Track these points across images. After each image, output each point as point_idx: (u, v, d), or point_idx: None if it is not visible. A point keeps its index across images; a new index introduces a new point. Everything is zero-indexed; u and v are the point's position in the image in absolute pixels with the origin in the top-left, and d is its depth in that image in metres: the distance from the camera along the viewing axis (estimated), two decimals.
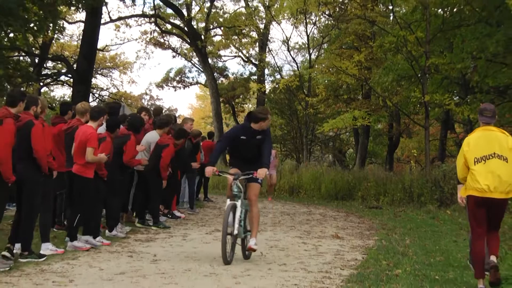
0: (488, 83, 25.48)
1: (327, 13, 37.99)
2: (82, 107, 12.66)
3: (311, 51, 41.02)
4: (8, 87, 31.97)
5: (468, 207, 9.25)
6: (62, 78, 48.76)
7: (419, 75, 26.65)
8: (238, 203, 10.55)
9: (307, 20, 39.52)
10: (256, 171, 10.67)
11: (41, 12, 27.45)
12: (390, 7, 30.34)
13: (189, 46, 47.57)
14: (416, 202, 22.90)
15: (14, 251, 10.17)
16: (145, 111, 16.69)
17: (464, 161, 9.03)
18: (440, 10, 27.62)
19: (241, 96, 50.66)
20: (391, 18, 30.51)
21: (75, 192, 11.86)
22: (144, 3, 53.54)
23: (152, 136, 15.73)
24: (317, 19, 41.25)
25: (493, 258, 8.91)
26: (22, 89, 33.05)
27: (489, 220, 9.05)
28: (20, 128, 9.87)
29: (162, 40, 49.70)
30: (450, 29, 26.78)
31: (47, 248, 10.90)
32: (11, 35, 34.22)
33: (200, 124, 60.81)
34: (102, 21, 37.12)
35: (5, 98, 10.69)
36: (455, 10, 27.32)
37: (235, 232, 10.37)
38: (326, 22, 42.06)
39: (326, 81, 40.80)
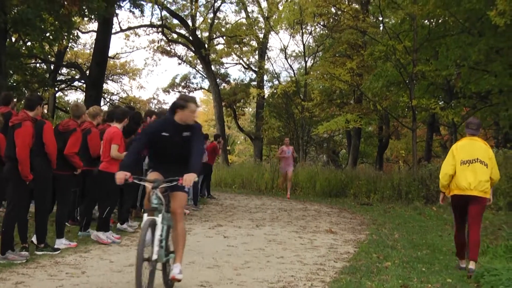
0: (471, 89, 25.59)
1: (321, 23, 37.93)
2: (94, 111, 12.71)
3: (307, 59, 41.08)
4: (26, 92, 31.98)
5: (452, 205, 10.25)
6: (76, 83, 48.91)
7: (407, 81, 26.64)
8: (158, 218, 7.63)
9: (303, 30, 39.56)
10: (181, 177, 7.73)
11: (56, 22, 27.46)
12: (380, 18, 30.34)
13: (193, 54, 47.63)
14: (404, 199, 22.90)
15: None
16: (154, 115, 16.61)
17: (452, 161, 9.94)
18: (426, 21, 27.67)
19: (241, 101, 50.58)
20: (381, 28, 30.49)
21: (102, 187, 11.85)
22: (152, 14, 53.79)
23: None
24: (313, 29, 41.27)
25: (472, 265, 9.50)
26: (38, 93, 33.09)
27: (469, 216, 9.88)
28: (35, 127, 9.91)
29: (168, 49, 49.72)
30: (436, 38, 26.80)
31: (61, 243, 10.89)
32: (29, 43, 34.29)
33: (204, 127, 60.73)
34: (113, 30, 37.12)
35: (23, 102, 10.70)
36: (440, 21, 27.38)
37: (154, 256, 7.47)
38: (321, 32, 42.02)
39: (320, 86, 40.70)
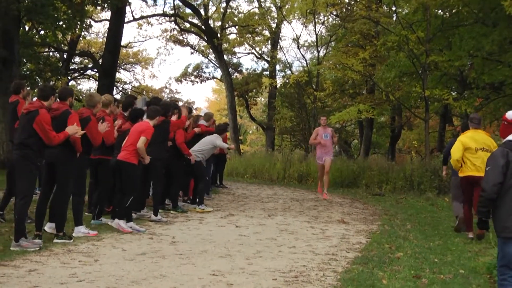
0: (484, 80, 25.46)
1: (334, 13, 37.85)
2: (106, 99, 12.72)
3: (319, 49, 40.89)
4: (39, 80, 32.08)
5: (462, 184, 12.50)
6: (89, 72, 48.99)
7: (419, 71, 26.55)
8: None
9: (316, 20, 39.37)
10: None
11: (69, 11, 27.48)
12: (393, 8, 30.21)
13: (206, 44, 47.61)
14: (416, 190, 22.81)
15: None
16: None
17: (462, 148, 12.16)
18: (440, 11, 27.53)
19: (254, 90, 50.58)
20: (394, 18, 30.35)
21: (124, 177, 11.89)
22: (165, 3, 53.94)
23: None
24: (325, 19, 41.13)
25: (471, 235, 12.22)
26: (51, 83, 33.19)
27: (474, 194, 11.85)
28: (57, 117, 9.95)
29: (181, 38, 49.72)
30: (449, 29, 26.70)
31: (79, 231, 10.95)
32: (42, 32, 34.40)
33: (216, 116, 60.75)
34: (126, 19, 37.21)
35: (36, 91, 10.74)
36: (454, 11, 27.25)
37: None
38: (334, 21, 41.91)
39: (333, 76, 40.67)
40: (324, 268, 8.81)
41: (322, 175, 20.88)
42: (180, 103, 23.83)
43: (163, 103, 14.89)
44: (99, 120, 11.64)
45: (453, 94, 28.51)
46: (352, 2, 33.32)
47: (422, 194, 21.99)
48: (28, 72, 33.64)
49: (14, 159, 9.78)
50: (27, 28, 35.18)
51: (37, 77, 32.99)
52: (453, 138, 16.66)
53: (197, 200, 15.95)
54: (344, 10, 34.87)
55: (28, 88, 14.16)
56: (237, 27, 46.91)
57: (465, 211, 12.45)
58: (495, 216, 6.72)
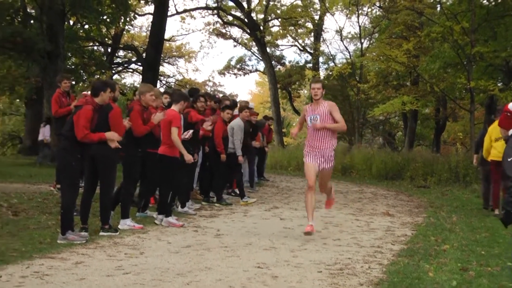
0: None
1: (377, 4, 37.64)
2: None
3: (362, 41, 40.72)
4: (84, 74, 32.43)
5: (491, 165, 14.54)
6: (132, 66, 49.34)
7: (464, 62, 26.33)
8: None
9: (359, 11, 39.23)
10: None
11: (113, 5, 27.72)
12: None
13: (249, 36, 47.75)
14: (462, 182, 22.63)
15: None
16: (207, 96, 16.53)
17: (489, 138, 14.38)
18: (485, 0, 27.26)
19: (297, 83, 50.57)
20: (438, 9, 30.13)
21: (164, 171, 11.92)
22: None
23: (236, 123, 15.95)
24: (369, 10, 40.90)
25: (497, 212, 14.14)
26: (96, 76, 33.50)
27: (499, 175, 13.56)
28: (99, 111, 10.00)
29: (224, 31, 49.94)
30: (495, 19, 26.42)
31: (125, 224, 11.03)
32: (86, 26, 34.73)
33: (259, 108, 60.78)
34: (169, 13, 37.44)
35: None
36: (499, 0, 26.91)
37: None
38: (377, 13, 41.67)
39: (376, 68, 40.47)
40: (369, 260, 8.76)
41: (310, 196, 10.74)
42: (220, 95, 23.67)
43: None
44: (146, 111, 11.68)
45: (498, 85, 28.19)
46: None
47: (467, 186, 21.81)
48: (73, 66, 34.01)
49: (55, 151, 9.91)
50: (71, 22, 35.53)
51: (81, 71, 33.35)
52: (483, 129, 17.26)
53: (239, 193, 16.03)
54: (388, 1, 34.64)
55: (73, 82, 14.30)
56: (280, 19, 46.96)
57: (495, 189, 14.63)
58: None
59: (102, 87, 10.11)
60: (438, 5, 30.17)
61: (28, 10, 30.93)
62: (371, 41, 42.03)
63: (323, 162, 10.86)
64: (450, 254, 9.17)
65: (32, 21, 30.10)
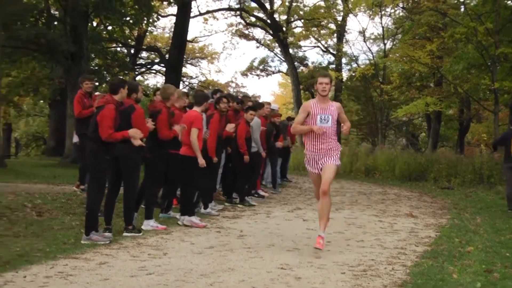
0: None
1: (401, 5, 37.55)
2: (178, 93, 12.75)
3: (385, 41, 40.73)
4: (107, 75, 32.60)
5: None
6: (155, 67, 49.54)
7: (488, 63, 26.22)
8: None
9: (382, 12, 39.16)
10: None
11: (136, 6, 27.86)
12: (461, 0, 29.87)
13: (271, 37, 47.77)
14: (486, 183, 22.53)
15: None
16: (231, 98, 16.52)
17: None
18: (509, 1, 27.12)
19: None
20: (462, 9, 30.02)
21: (186, 171, 11.93)
22: None
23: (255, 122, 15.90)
24: (392, 11, 40.82)
25: None
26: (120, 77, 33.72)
27: None
28: (122, 111, 10.03)
29: (246, 32, 49.96)
30: None
31: (148, 224, 11.07)
32: (109, 28, 34.93)
33: (282, 109, 60.82)
34: (192, 14, 37.51)
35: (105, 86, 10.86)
36: None
37: None
38: (400, 14, 41.58)
39: (400, 69, 40.36)
40: (393, 262, 8.72)
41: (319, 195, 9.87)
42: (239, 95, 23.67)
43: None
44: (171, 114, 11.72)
45: None
46: None
47: (492, 187, 21.70)
48: (96, 67, 34.20)
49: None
50: (95, 24, 35.73)
51: (105, 72, 33.52)
52: (508, 130, 17.09)
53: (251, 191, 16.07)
54: (411, 2, 34.55)
55: (97, 83, 14.38)
56: (302, 20, 46.94)
57: None
58: None
59: (121, 84, 10.13)
60: (462, 6, 30.10)
61: (52, 11, 31.16)
62: (394, 42, 42.02)
63: (327, 159, 9.56)
64: (474, 256, 9.11)
65: (56, 23, 30.34)
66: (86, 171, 14.32)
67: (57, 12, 31.38)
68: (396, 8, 39.66)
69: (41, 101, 46.86)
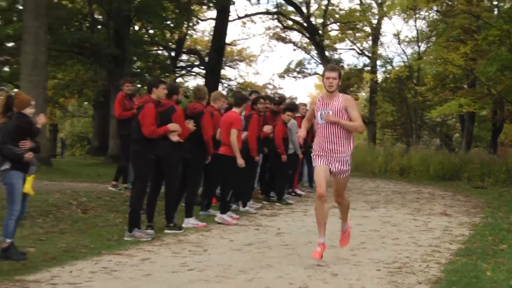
0: None
1: (435, 8, 37.28)
2: (214, 95, 12.82)
3: (420, 44, 40.43)
4: (148, 78, 32.85)
5: None
6: (195, 70, 49.69)
7: None
8: None
9: (417, 16, 38.92)
10: None
11: (177, 10, 28.02)
12: (495, 3, 29.65)
13: (308, 40, 47.61)
14: None
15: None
16: (268, 99, 16.51)
17: None
18: None
19: (355, 86, 50.28)
20: (496, 12, 29.73)
21: (225, 170, 11.99)
22: (268, 1, 54.04)
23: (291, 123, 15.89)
24: (426, 14, 40.53)
25: None
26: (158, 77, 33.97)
27: None
28: (163, 113, 10.11)
29: (283, 35, 49.90)
30: None
31: (189, 222, 11.15)
32: (151, 31, 35.16)
33: None
34: (230, 18, 37.65)
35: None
36: None
37: None
38: (434, 17, 41.28)
39: (434, 71, 40.02)
40: (427, 259, 8.70)
41: (321, 206, 9.39)
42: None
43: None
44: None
45: None
46: None
47: None
48: (138, 70, 34.43)
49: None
50: (137, 27, 35.96)
51: (146, 75, 33.74)
52: None
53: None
54: (445, 5, 34.30)
55: (139, 86, 14.49)
56: (338, 23, 46.82)
57: None
58: None
59: (153, 84, 10.29)
60: (496, 9, 29.80)
61: (95, 16, 31.44)
62: (428, 45, 41.69)
63: (338, 165, 9.02)
64: (508, 254, 9.04)
65: (99, 27, 30.60)
66: (125, 171, 14.52)
67: (100, 17, 31.64)
68: (430, 11, 39.37)
69: (86, 103, 47.33)
